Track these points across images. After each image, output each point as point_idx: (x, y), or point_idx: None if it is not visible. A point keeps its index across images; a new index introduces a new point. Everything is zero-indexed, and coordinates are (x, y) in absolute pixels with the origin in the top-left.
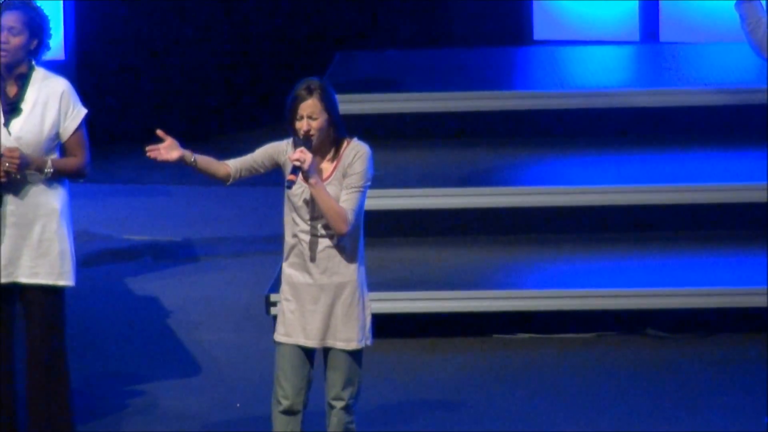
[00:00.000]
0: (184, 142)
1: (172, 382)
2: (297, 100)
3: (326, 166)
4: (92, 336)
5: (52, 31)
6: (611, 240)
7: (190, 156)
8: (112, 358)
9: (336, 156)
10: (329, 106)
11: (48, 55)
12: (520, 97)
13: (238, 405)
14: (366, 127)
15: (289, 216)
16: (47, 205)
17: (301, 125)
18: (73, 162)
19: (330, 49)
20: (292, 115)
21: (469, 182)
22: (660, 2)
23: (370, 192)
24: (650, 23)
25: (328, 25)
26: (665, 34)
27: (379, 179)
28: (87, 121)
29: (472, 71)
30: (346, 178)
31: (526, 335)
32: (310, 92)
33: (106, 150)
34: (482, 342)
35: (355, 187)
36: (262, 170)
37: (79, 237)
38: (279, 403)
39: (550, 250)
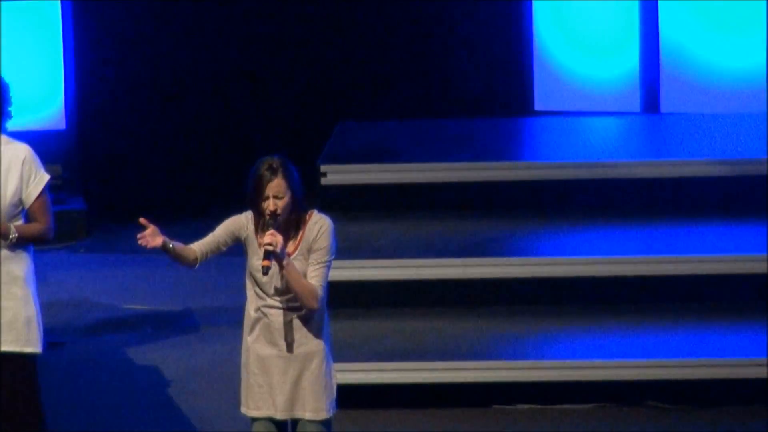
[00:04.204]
0: (186, 214)
1: None
2: (261, 180)
3: (290, 241)
4: (92, 406)
5: (12, 99)
6: (612, 311)
7: (168, 243)
8: (111, 428)
9: (299, 230)
10: (293, 183)
11: (49, 125)
12: (520, 168)
13: None
14: (366, 198)
15: (251, 290)
16: (11, 272)
17: (268, 205)
18: (36, 228)
19: (330, 120)
20: (256, 195)
21: (471, 253)
22: (660, 73)
23: (369, 262)
24: (651, 94)
25: (328, 96)
26: (666, 104)
27: (378, 249)
28: (86, 189)
29: (473, 142)
30: (312, 254)
31: (526, 406)
32: (274, 172)
33: (106, 219)
34: (482, 413)
35: (322, 263)
36: (224, 248)
37: (80, 306)
38: None
39: (550, 320)
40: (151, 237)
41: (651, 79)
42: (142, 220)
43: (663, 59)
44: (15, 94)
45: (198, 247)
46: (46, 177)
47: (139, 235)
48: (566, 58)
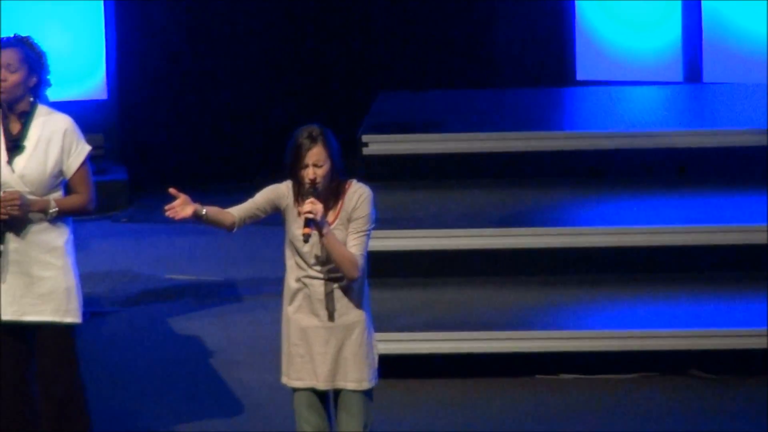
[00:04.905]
0: (227, 183)
1: (214, 422)
2: (301, 149)
3: (330, 210)
4: (134, 376)
5: (50, 67)
6: (654, 280)
7: (201, 209)
8: (153, 398)
9: (338, 199)
10: (332, 152)
11: (90, 95)
12: (561, 138)
13: None
14: (407, 168)
15: (291, 260)
16: (50, 242)
17: (307, 173)
18: (76, 200)
19: (372, 89)
20: (295, 164)
21: (511, 223)
22: (703, 43)
23: (410, 232)
24: (693, 64)
25: (370, 65)
26: (708, 74)
27: (419, 219)
28: (128, 159)
29: (514, 111)
30: (352, 222)
31: (570, 376)
32: (313, 140)
33: (148, 189)
34: (525, 383)
35: (362, 231)
36: (263, 215)
37: (122, 276)
38: None
39: (593, 290)
40: (181, 208)
41: (693, 48)
42: (171, 190)
43: (705, 29)
44: (58, 64)
45: (236, 212)
46: (87, 148)
47: (166, 207)
48: (608, 29)
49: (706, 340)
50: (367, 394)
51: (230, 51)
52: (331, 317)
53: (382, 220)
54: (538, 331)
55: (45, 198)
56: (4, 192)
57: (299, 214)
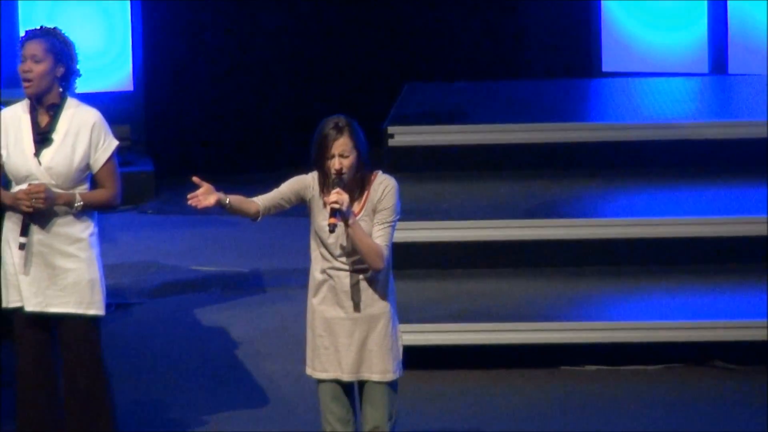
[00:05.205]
0: (252, 174)
1: (240, 413)
2: (327, 139)
3: (355, 201)
4: (160, 366)
5: (79, 57)
6: (680, 272)
7: (225, 198)
8: (179, 389)
9: (363, 191)
10: (358, 143)
11: (117, 87)
12: (588, 129)
13: None
14: (433, 159)
15: (317, 251)
16: (74, 235)
17: (333, 164)
18: (102, 194)
19: (398, 81)
20: (321, 154)
21: (538, 214)
22: (729, 34)
23: (436, 223)
24: (719, 55)
25: (396, 57)
26: (734, 65)
27: (445, 211)
28: (154, 150)
29: (540, 103)
30: (377, 214)
31: (594, 367)
32: (340, 130)
33: (173, 180)
34: (550, 374)
35: (387, 222)
36: (288, 206)
37: (147, 268)
38: None
39: (618, 281)
40: (204, 196)
41: (719, 41)
42: (195, 178)
43: (731, 22)
44: (85, 57)
45: (261, 201)
46: (115, 143)
47: (189, 195)
48: (635, 22)
49: (730, 331)
50: (392, 385)
51: (255, 43)
52: (356, 308)
53: (408, 211)
54: (563, 323)
55: (71, 192)
56: (30, 184)
57: (325, 204)
